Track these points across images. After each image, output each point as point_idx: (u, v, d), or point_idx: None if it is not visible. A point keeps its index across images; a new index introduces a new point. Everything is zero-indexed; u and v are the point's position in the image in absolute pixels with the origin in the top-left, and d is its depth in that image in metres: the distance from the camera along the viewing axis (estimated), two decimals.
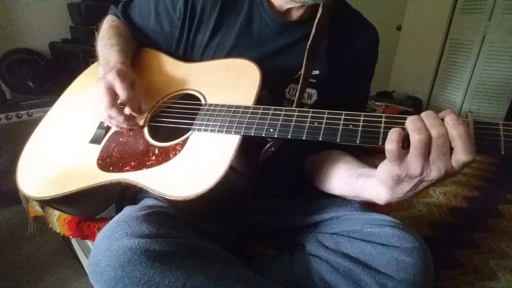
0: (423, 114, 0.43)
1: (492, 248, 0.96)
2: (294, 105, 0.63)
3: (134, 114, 0.64)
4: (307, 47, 0.64)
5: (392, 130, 0.42)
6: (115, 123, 0.63)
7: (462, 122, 0.40)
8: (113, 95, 0.60)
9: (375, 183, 0.51)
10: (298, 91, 0.64)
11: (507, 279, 0.85)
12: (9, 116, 1.40)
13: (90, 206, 0.74)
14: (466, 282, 0.83)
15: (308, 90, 0.71)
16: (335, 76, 0.72)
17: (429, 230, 1.02)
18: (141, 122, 0.67)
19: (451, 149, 0.41)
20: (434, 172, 0.42)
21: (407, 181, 0.45)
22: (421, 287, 0.53)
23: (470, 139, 0.40)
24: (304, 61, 0.64)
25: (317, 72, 0.71)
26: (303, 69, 0.64)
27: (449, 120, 0.40)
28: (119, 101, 0.62)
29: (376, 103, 2.40)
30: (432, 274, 0.56)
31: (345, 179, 0.61)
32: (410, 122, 0.42)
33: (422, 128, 0.41)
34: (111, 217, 0.54)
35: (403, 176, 0.44)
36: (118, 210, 0.58)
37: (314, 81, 0.71)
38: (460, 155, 0.40)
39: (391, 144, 0.42)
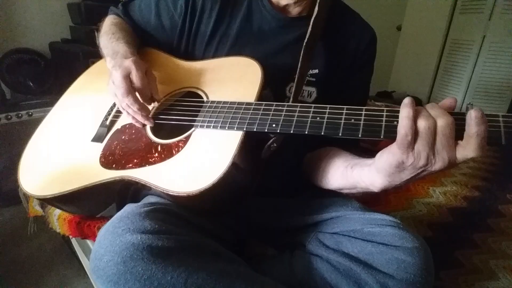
0: (427, 106, 0.43)
1: (492, 248, 0.96)
2: (291, 102, 0.63)
3: (145, 104, 0.64)
4: (303, 45, 0.65)
5: (403, 106, 0.42)
6: (131, 111, 0.63)
7: (485, 121, 0.39)
8: (130, 82, 0.61)
9: (371, 172, 0.51)
10: (294, 89, 0.64)
11: (507, 279, 0.85)
12: (9, 116, 1.40)
13: (91, 204, 0.75)
14: (466, 282, 0.83)
15: (308, 88, 0.71)
16: (333, 74, 0.72)
17: (429, 230, 1.02)
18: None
19: (457, 141, 0.41)
20: (438, 163, 0.42)
21: (410, 170, 0.44)
22: (422, 286, 0.53)
23: (486, 138, 0.40)
24: (300, 58, 0.64)
25: (316, 71, 0.71)
26: (299, 66, 0.64)
27: (474, 117, 0.39)
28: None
29: (376, 103, 2.39)
30: (432, 274, 0.56)
31: (340, 170, 0.60)
32: (416, 111, 0.42)
33: (428, 115, 0.41)
34: (111, 217, 0.54)
35: (408, 165, 0.43)
36: (120, 208, 0.58)
37: (313, 79, 0.71)
38: (470, 152, 0.40)
39: (404, 121, 0.42)
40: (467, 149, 0.40)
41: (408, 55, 2.93)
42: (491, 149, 1.68)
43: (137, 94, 0.62)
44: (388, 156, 0.45)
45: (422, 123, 0.41)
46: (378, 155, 0.48)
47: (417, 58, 2.83)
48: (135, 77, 0.60)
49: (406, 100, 0.43)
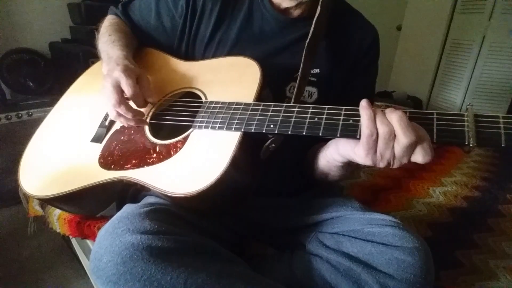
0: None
1: (492, 248, 0.96)
2: (292, 102, 0.63)
3: (140, 110, 0.64)
4: (306, 44, 0.64)
5: (362, 108, 0.47)
6: (124, 120, 0.62)
7: (414, 128, 0.43)
8: (121, 92, 0.60)
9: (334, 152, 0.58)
10: (296, 88, 0.64)
11: (507, 279, 0.85)
12: (9, 116, 1.40)
13: (90, 204, 0.75)
14: (466, 282, 0.83)
15: (308, 88, 0.71)
16: (335, 75, 0.72)
17: (429, 230, 1.02)
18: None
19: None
20: (395, 165, 0.47)
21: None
22: (422, 286, 0.53)
23: (428, 142, 0.44)
24: (303, 58, 0.64)
25: (317, 70, 0.71)
26: (301, 66, 0.64)
27: (388, 110, 0.45)
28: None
29: (376, 103, 2.40)
30: (432, 274, 0.56)
31: (321, 159, 0.65)
32: (366, 119, 0.46)
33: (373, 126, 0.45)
34: (112, 216, 0.54)
35: (368, 166, 0.49)
36: (120, 208, 0.58)
37: (315, 79, 0.71)
38: (419, 159, 0.44)
39: (367, 122, 0.46)
40: (416, 157, 0.44)
41: (408, 55, 2.92)
42: (491, 149, 1.68)
43: (130, 101, 0.62)
44: (350, 154, 0.51)
45: (364, 131, 0.45)
46: (341, 146, 0.54)
47: (417, 58, 2.83)
48: (125, 87, 0.59)
49: (363, 103, 0.47)
